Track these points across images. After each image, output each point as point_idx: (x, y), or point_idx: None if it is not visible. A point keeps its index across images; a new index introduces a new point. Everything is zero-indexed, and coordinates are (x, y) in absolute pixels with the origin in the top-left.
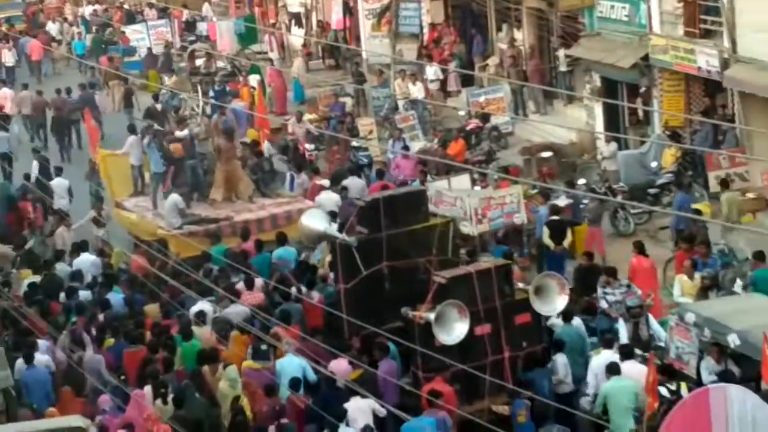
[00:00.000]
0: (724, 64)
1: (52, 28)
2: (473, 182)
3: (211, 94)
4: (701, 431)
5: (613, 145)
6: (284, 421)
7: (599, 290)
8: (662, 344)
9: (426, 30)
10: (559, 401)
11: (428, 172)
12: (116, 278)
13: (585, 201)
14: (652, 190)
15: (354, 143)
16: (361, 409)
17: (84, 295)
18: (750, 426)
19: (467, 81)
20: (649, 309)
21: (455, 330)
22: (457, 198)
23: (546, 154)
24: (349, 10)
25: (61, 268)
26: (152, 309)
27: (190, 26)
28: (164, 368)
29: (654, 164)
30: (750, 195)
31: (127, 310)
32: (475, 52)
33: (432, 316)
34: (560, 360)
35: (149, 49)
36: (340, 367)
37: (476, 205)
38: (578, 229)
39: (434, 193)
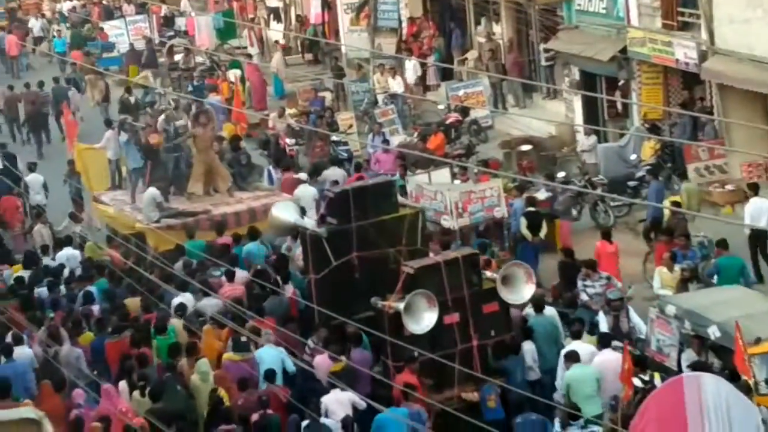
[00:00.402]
0: (702, 57)
1: (34, 24)
2: (453, 176)
3: (190, 89)
4: (676, 419)
5: (593, 138)
6: (269, 411)
7: (579, 283)
8: (642, 336)
9: (405, 24)
10: (527, 388)
11: (407, 166)
12: (101, 270)
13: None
14: (631, 183)
15: (334, 138)
16: (340, 401)
17: (61, 289)
18: (725, 413)
19: (446, 75)
20: (629, 300)
21: (424, 319)
22: (437, 192)
23: (525, 148)
24: (328, 5)
25: (47, 263)
26: (133, 302)
27: (168, 21)
28: (146, 362)
29: (633, 157)
30: (729, 187)
31: (107, 304)
32: (454, 46)
33: (401, 305)
34: (528, 347)
35: (131, 44)
36: (322, 361)
37: (457, 199)
38: (558, 222)
39: (414, 188)
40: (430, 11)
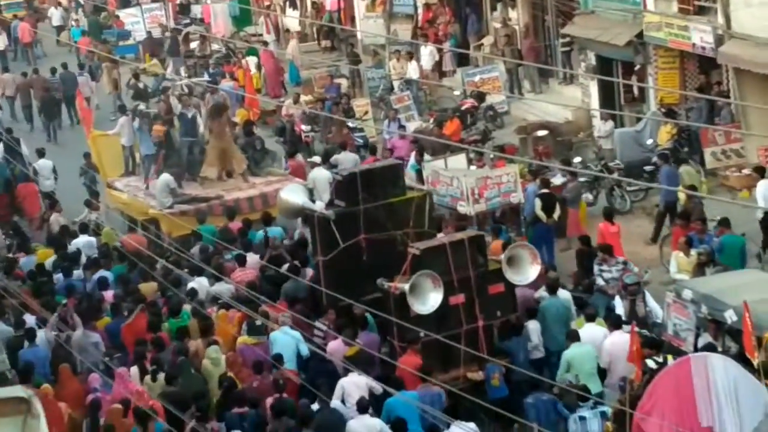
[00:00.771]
0: (719, 41)
1: (54, 14)
2: (469, 162)
3: (206, 76)
4: (685, 399)
5: (610, 124)
6: (284, 395)
7: (595, 268)
8: (659, 321)
9: (420, 10)
10: (531, 367)
11: (424, 151)
12: (118, 256)
13: (581, 179)
14: (647, 168)
15: (350, 124)
16: (357, 384)
17: (78, 274)
18: (733, 393)
19: (462, 61)
20: (645, 285)
21: (430, 300)
22: (453, 178)
23: (542, 133)
24: None
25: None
26: (148, 287)
27: (184, 9)
28: (163, 346)
29: (650, 141)
30: (746, 171)
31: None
32: (470, 32)
33: (407, 286)
34: (532, 327)
35: (148, 32)
36: (336, 347)
37: (473, 185)
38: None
39: (431, 173)
40: None
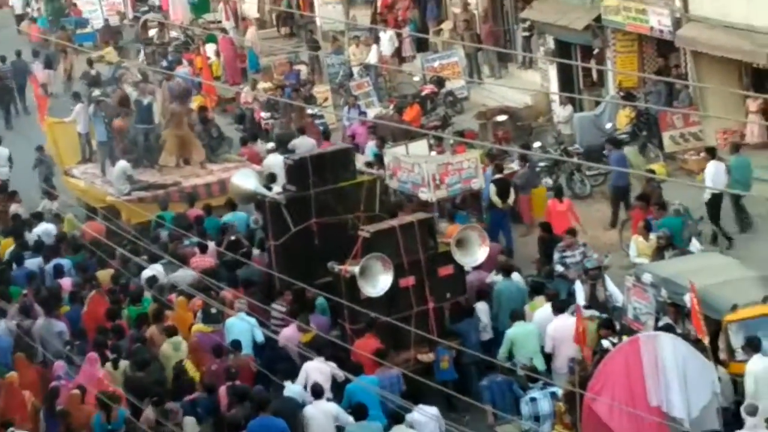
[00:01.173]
0: (677, 24)
1: (15, 2)
2: (430, 148)
3: (164, 64)
4: (635, 378)
5: (569, 109)
6: (237, 383)
7: (556, 255)
8: (619, 305)
9: None
10: (482, 349)
11: (384, 138)
12: (74, 244)
13: (541, 164)
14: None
15: (309, 111)
16: (321, 370)
17: (36, 262)
18: (681, 372)
19: (422, 46)
20: (606, 269)
21: (380, 282)
22: (414, 164)
23: (501, 118)
24: None
25: (30, 238)
26: (105, 274)
27: None
28: (123, 334)
29: (609, 126)
30: (704, 154)
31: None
32: (429, 17)
33: (357, 269)
34: (481, 307)
35: (105, 20)
36: (291, 333)
37: (434, 171)
38: (535, 191)
39: (392, 160)
40: None
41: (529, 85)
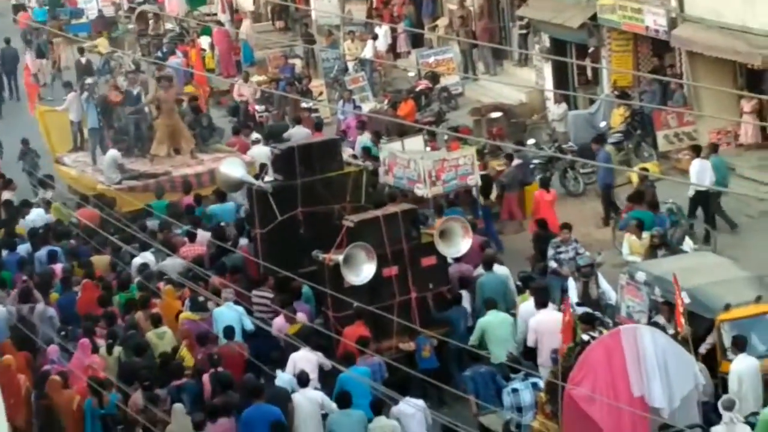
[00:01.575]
0: (672, 24)
1: None
2: (425, 143)
3: (159, 55)
4: (617, 369)
5: (563, 107)
6: (220, 369)
7: (551, 251)
8: (611, 302)
9: None
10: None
11: (380, 133)
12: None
13: (535, 161)
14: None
15: (303, 104)
16: (308, 359)
17: (25, 248)
18: (662, 363)
19: (417, 42)
20: (598, 267)
21: (363, 271)
22: (410, 160)
23: (495, 115)
24: None
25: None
26: (100, 261)
27: None
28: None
29: (603, 124)
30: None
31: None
32: (425, 13)
33: (340, 258)
34: (464, 295)
35: (100, 11)
36: (282, 323)
37: (430, 168)
38: (529, 188)
39: (388, 155)
40: None
41: (523, 82)
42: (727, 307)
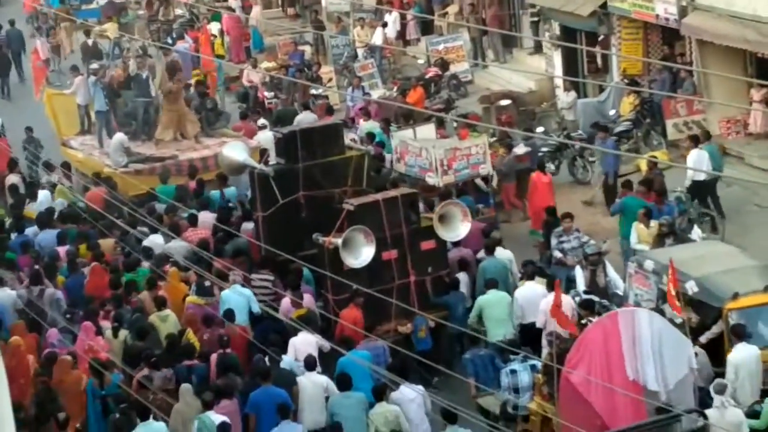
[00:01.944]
0: (682, 12)
1: None
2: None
3: (169, 41)
4: (613, 352)
5: (572, 95)
6: (228, 351)
7: (554, 240)
8: (618, 291)
9: None
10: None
11: (390, 120)
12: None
13: (543, 149)
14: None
15: (313, 91)
16: (308, 342)
17: (33, 231)
18: (657, 347)
19: (426, 29)
20: (605, 255)
21: (362, 254)
22: (422, 149)
23: (505, 103)
24: None
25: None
26: (107, 243)
27: None
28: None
29: (612, 112)
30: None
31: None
32: (435, 1)
33: (339, 240)
34: (462, 278)
35: None
36: (288, 306)
37: (442, 156)
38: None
39: (399, 143)
40: None
41: (533, 70)
42: (736, 296)
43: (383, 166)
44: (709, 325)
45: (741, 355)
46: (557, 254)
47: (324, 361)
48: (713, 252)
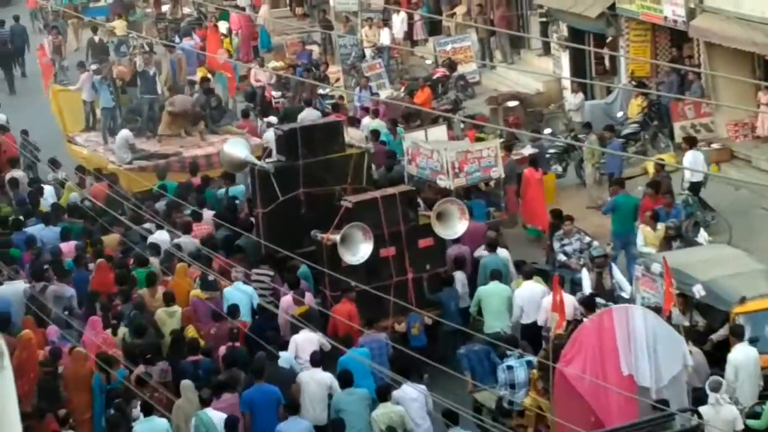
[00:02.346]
0: (691, 14)
1: None
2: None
3: (177, 40)
4: (608, 348)
5: (580, 96)
6: (237, 344)
7: (556, 244)
8: (625, 294)
9: None
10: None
11: (397, 121)
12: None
13: (551, 150)
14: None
15: (320, 91)
16: (310, 340)
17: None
18: (651, 343)
19: (434, 30)
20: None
21: (360, 251)
22: (434, 151)
23: (512, 104)
24: None
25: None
26: (111, 239)
27: None
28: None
29: (620, 114)
30: (715, 146)
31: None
32: (443, 1)
33: (337, 237)
34: (458, 276)
35: None
36: (289, 302)
37: (453, 159)
38: (545, 177)
39: (410, 145)
40: None
41: (541, 71)
42: (743, 300)
43: (395, 162)
44: (717, 329)
45: (741, 355)
46: (561, 257)
47: (323, 359)
48: (720, 255)
